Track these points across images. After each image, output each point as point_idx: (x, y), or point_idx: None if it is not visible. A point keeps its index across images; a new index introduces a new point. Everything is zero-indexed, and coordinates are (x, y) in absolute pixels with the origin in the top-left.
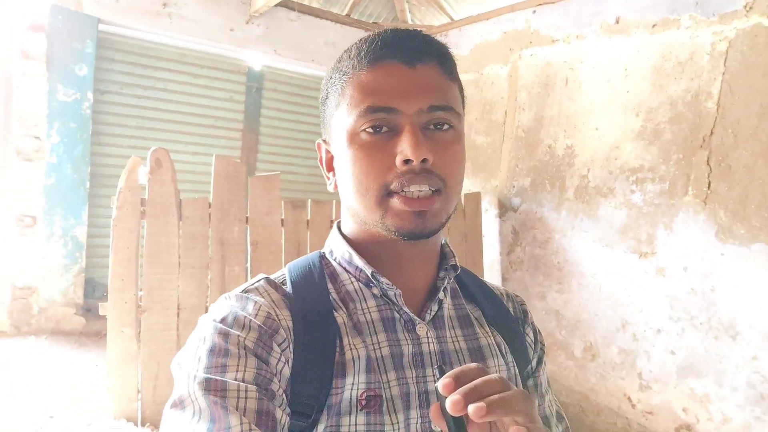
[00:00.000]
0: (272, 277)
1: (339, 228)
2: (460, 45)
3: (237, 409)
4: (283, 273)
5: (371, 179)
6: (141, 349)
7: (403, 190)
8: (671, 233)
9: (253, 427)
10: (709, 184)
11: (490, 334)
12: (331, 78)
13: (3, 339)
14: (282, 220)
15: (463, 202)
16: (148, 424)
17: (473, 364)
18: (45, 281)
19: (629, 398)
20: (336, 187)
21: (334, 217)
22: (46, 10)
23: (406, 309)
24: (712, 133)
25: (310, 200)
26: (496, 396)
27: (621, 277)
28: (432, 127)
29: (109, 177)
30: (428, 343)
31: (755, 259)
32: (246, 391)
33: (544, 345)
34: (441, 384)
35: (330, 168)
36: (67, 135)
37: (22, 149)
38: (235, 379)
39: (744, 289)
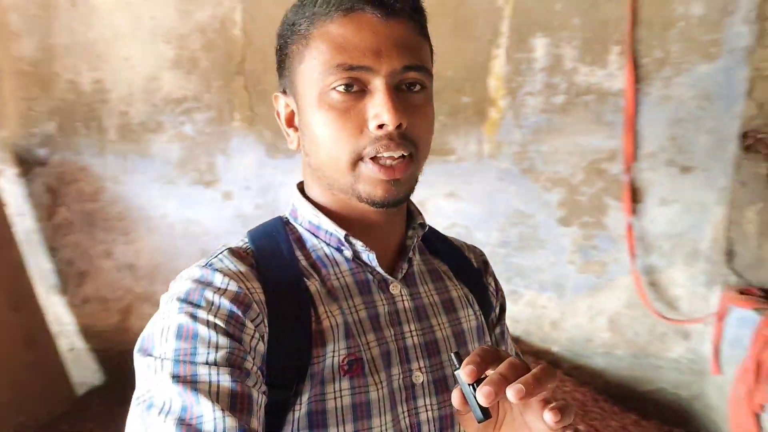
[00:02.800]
0: (234, 246)
1: (302, 191)
2: None
3: (209, 395)
4: (245, 242)
5: (343, 143)
6: None
7: (376, 156)
8: (229, 158)
9: (226, 413)
10: (251, 108)
11: (458, 286)
12: (293, 24)
13: None
14: None
15: None
16: None
17: (486, 347)
18: None
19: None
20: (299, 146)
21: None
22: None
23: (379, 270)
24: (244, 59)
25: None
26: (530, 377)
27: (192, 210)
28: (404, 87)
29: None
30: (402, 301)
31: (299, 168)
32: (218, 374)
33: (503, 293)
34: (465, 372)
35: (290, 124)
36: None
37: None
38: (206, 362)
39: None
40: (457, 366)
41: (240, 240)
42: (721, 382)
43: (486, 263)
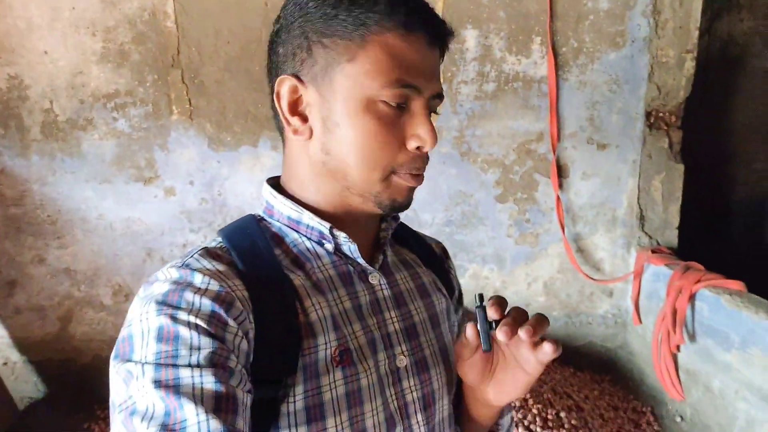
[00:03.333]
0: (209, 246)
1: (275, 187)
2: None
3: (193, 397)
4: (219, 241)
5: (384, 156)
6: None
7: (408, 171)
8: (169, 153)
9: (210, 415)
10: (190, 101)
11: (427, 272)
12: (337, 16)
13: None
14: None
15: None
16: None
17: (501, 297)
18: None
19: None
20: (310, 137)
21: None
22: None
23: (361, 261)
24: (179, 52)
25: None
26: (533, 320)
27: (132, 208)
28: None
29: None
30: (381, 290)
31: (245, 160)
32: (201, 376)
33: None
34: (492, 310)
35: (295, 112)
36: None
37: None
38: (189, 365)
39: (242, 186)
40: (479, 304)
41: (212, 240)
42: (642, 332)
43: (445, 251)
